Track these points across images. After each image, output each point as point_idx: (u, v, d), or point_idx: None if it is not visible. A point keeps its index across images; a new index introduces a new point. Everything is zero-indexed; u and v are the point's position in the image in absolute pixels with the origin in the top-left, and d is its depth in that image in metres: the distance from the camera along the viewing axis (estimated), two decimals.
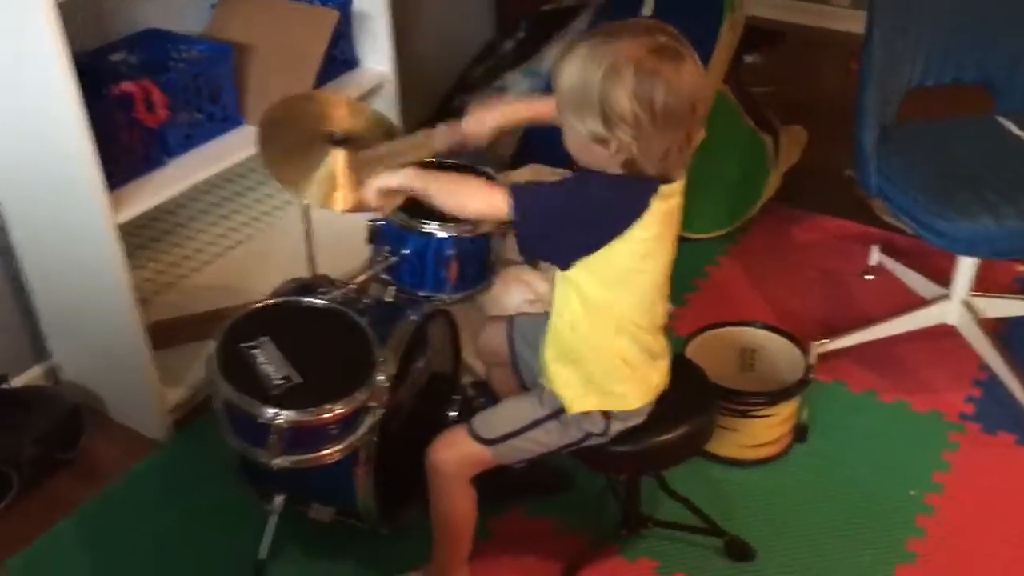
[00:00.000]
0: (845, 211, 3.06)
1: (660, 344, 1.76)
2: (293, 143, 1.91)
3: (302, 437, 1.69)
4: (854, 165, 2.41)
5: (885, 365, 2.52)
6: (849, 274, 2.88)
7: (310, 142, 1.91)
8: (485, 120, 1.90)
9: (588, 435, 1.76)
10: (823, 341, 2.48)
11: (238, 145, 2.37)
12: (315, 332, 1.81)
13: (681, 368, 1.83)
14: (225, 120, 2.39)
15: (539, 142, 3.14)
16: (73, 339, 2.43)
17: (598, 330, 1.68)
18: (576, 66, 1.52)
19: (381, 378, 1.75)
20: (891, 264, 2.80)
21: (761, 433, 2.19)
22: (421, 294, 2.10)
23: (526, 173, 2.97)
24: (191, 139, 2.33)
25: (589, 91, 1.50)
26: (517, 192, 1.59)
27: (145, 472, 2.30)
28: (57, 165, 2.06)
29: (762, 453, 2.22)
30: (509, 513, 2.13)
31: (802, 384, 2.18)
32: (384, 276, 2.09)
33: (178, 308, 2.63)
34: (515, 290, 2.53)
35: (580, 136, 1.55)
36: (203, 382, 2.43)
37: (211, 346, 1.74)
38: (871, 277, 2.85)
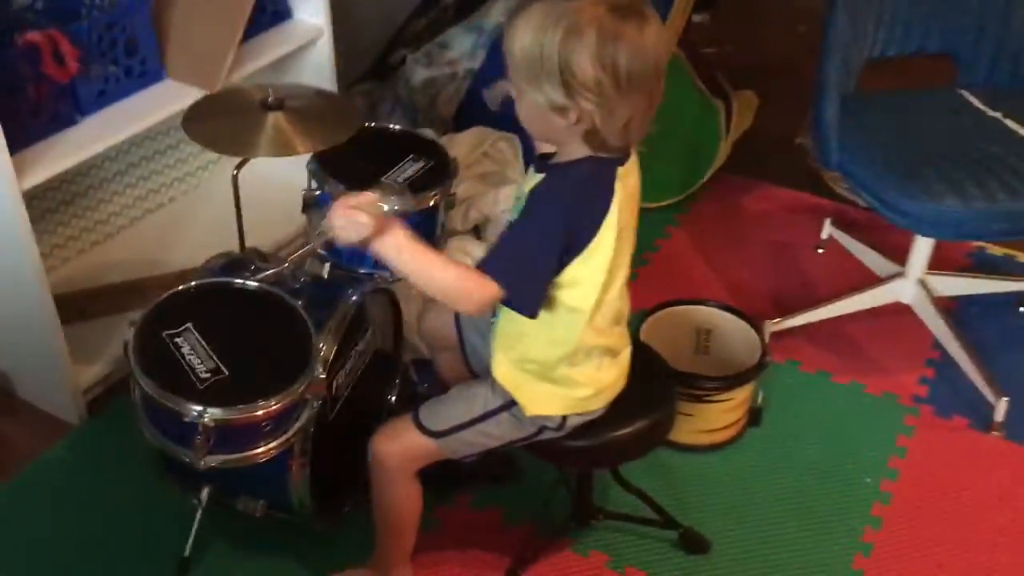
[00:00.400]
0: (795, 181, 2.97)
1: (621, 339, 1.65)
2: (225, 121, 1.75)
3: (232, 435, 1.54)
4: (812, 137, 2.31)
5: (837, 344, 2.45)
6: (800, 247, 2.80)
7: (243, 115, 1.74)
8: None
9: (543, 429, 1.65)
10: (776, 320, 2.40)
11: (159, 102, 2.18)
12: (245, 318, 1.66)
13: (639, 354, 1.72)
14: (144, 75, 2.19)
15: (480, 102, 2.99)
16: None
17: (555, 335, 1.56)
18: (531, 29, 1.38)
19: (319, 369, 1.60)
20: (843, 238, 2.73)
21: (716, 418, 2.11)
22: (361, 271, 1.96)
23: (469, 137, 2.82)
24: (106, 95, 2.12)
25: (547, 56, 1.36)
26: (495, 268, 1.44)
27: (57, 459, 2.12)
28: None
29: (717, 438, 2.14)
30: (455, 503, 2.01)
31: (759, 368, 2.09)
32: (320, 251, 1.94)
33: (91, 278, 2.44)
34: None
35: (536, 106, 1.41)
36: (119, 360, 2.25)
37: (128, 334, 1.57)
38: (822, 251, 2.78)
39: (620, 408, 1.68)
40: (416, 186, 1.96)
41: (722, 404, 2.08)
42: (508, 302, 1.47)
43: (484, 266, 1.45)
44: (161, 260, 2.52)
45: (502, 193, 2.64)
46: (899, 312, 2.46)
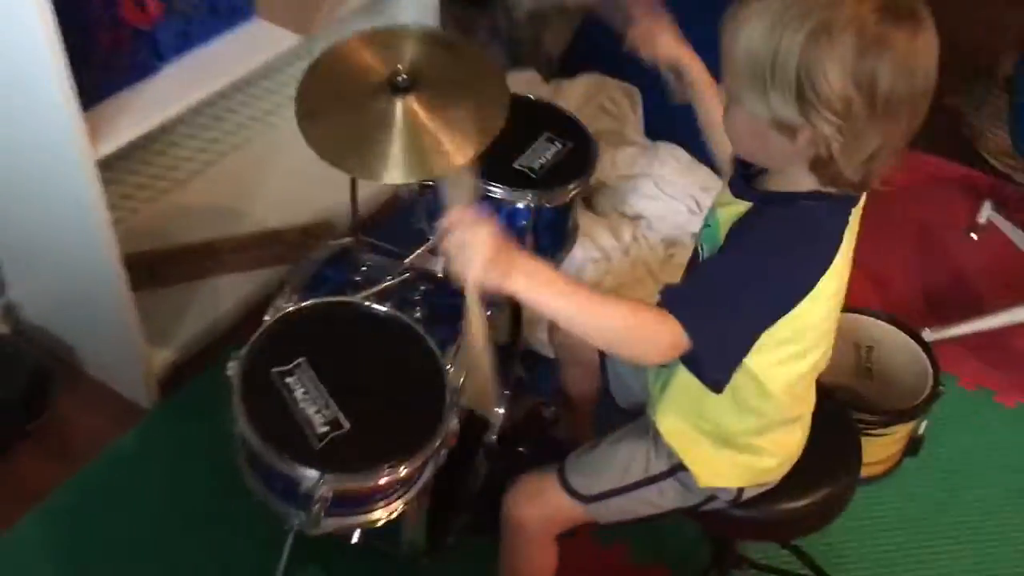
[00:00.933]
0: (943, 148, 2.62)
1: (812, 396, 1.37)
2: (342, 116, 1.38)
3: (351, 498, 1.29)
4: (1009, 120, 1.97)
5: (998, 355, 2.16)
6: (951, 229, 2.47)
7: (365, 104, 1.38)
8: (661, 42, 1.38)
9: (713, 499, 1.39)
10: (934, 329, 2.11)
11: (247, 46, 1.88)
12: (364, 349, 1.38)
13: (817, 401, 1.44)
14: (232, 13, 1.87)
15: (595, 41, 2.63)
16: (34, 271, 1.97)
17: (748, 402, 1.27)
18: (765, 21, 1.05)
19: (453, 420, 1.33)
20: (1005, 225, 2.40)
21: (876, 452, 1.84)
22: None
23: (582, 86, 2.49)
24: (188, 38, 1.81)
25: (782, 59, 1.04)
26: (686, 311, 1.10)
27: (128, 449, 1.90)
28: (18, 78, 1.56)
29: (873, 471, 1.87)
30: (577, 537, 1.76)
31: (931, 399, 1.82)
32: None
33: (161, 232, 2.18)
34: (578, 246, 2.09)
35: (754, 118, 1.09)
36: (195, 337, 2.01)
37: (232, 369, 1.30)
38: (977, 236, 2.45)
39: (797, 473, 1.41)
40: (553, 176, 1.66)
41: (885, 439, 1.82)
42: (692, 360, 1.15)
43: (670, 304, 1.11)
44: (237, 212, 2.26)
45: (620, 156, 2.33)
46: None
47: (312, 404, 1.28)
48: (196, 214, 2.24)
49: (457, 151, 1.33)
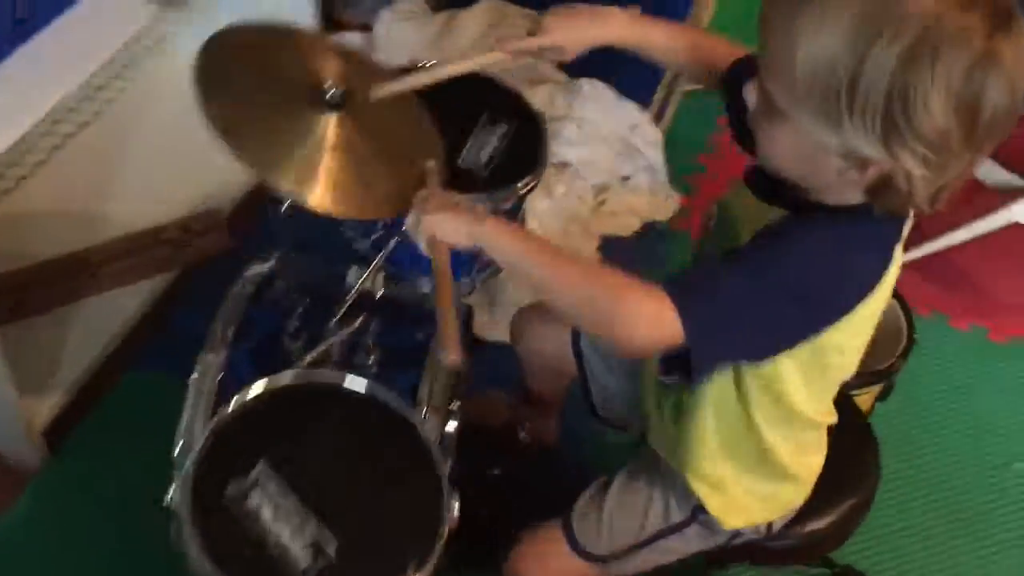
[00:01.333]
0: None
1: (834, 413, 1.22)
2: (257, 98, 1.11)
3: None
4: None
5: (948, 276, 2.09)
6: None
7: (287, 99, 1.13)
8: (585, 34, 1.17)
9: (739, 535, 1.24)
10: None
11: (102, 21, 1.52)
12: (330, 439, 1.14)
13: None
14: None
15: None
16: None
17: (779, 424, 1.11)
18: (840, 28, 0.82)
19: (453, 505, 1.12)
20: None
21: None
22: (426, 290, 1.44)
23: (480, 14, 2.20)
24: (25, 24, 1.45)
25: (867, 81, 0.81)
26: (686, 304, 0.91)
27: (19, 522, 1.60)
28: None
29: None
30: None
31: (908, 350, 1.72)
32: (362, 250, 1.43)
33: (13, 249, 1.81)
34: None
35: (811, 144, 0.88)
36: (81, 371, 1.71)
37: (174, 493, 1.04)
38: None
39: (818, 488, 1.27)
40: (504, 170, 1.42)
41: (864, 396, 1.72)
42: (687, 350, 0.94)
43: (668, 288, 0.92)
44: (99, 210, 1.92)
45: (536, 96, 2.08)
46: (1015, 233, 2.07)
47: (285, 525, 1.04)
48: (49, 219, 1.88)
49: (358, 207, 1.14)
